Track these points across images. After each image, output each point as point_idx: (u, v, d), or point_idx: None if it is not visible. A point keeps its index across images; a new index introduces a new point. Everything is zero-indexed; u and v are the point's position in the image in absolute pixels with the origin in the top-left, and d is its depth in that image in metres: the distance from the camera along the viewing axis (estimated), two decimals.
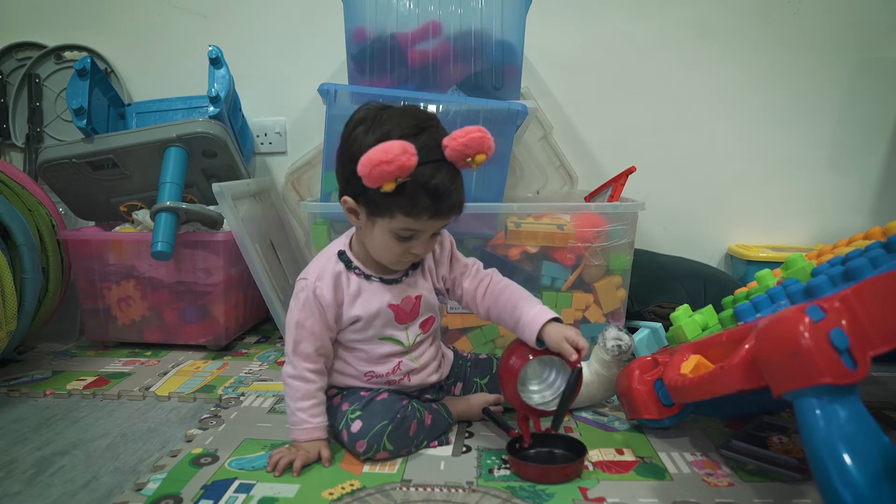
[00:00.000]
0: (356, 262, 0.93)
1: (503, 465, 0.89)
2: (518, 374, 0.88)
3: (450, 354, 1.09)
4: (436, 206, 0.83)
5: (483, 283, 0.98)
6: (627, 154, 1.57)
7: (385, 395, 0.94)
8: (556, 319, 0.90)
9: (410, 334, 0.96)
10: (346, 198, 0.88)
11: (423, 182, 0.80)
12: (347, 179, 0.85)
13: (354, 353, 0.96)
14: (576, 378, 0.88)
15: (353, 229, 0.96)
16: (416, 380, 0.99)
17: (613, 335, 1.05)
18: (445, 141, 0.81)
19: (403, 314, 0.95)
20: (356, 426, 0.90)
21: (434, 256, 0.99)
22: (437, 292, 1.00)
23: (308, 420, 0.91)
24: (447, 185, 0.82)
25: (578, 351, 0.87)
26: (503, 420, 0.98)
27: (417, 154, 0.77)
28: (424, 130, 0.82)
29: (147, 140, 1.42)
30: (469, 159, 0.81)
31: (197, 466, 0.89)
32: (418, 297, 0.96)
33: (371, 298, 0.92)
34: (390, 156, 0.75)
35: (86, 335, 1.51)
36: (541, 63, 1.68)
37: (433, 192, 0.81)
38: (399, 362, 0.96)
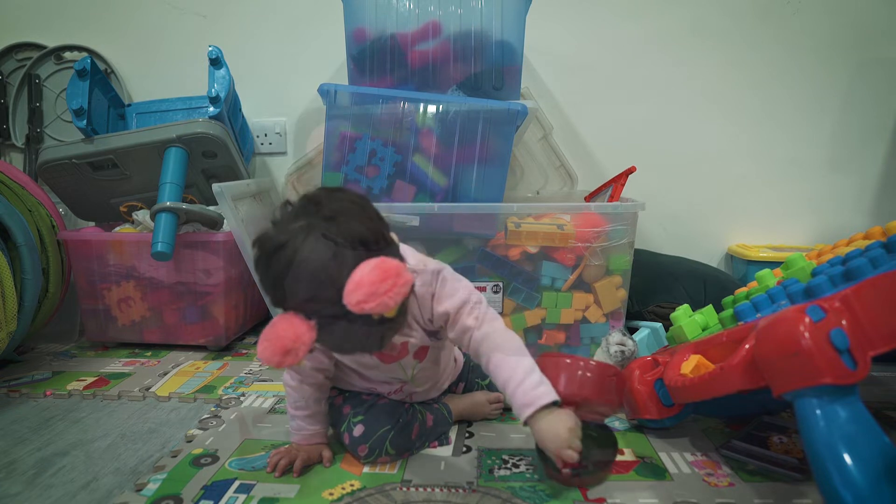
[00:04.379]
0: None
1: (503, 465, 0.89)
2: None
3: (461, 358, 1.07)
4: (362, 346, 0.77)
5: (465, 338, 0.84)
6: (627, 154, 1.58)
7: (387, 399, 0.95)
8: (552, 404, 0.77)
9: (407, 368, 0.91)
10: None
11: (338, 338, 0.73)
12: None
13: (356, 373, 0.93)
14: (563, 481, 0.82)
15: None
16: (417, 398, 0.99)
17: (617, 340, 1.06)
18: (346, 299, 0.67)
19: (390, 358, 0.89)
20: (358, 430, 0.90)
21: (412, 311, 0.85)
22: (432, 334, 0.89)
23: (306, 427, 0.91)
24: (362, 333, 0.72)
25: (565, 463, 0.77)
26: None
27: (317, 321, 0.70)
28: (321, 286, 0.69)
29: (147, 140, 1.42)
30: (376, 318, 0.70)
31: (197, 467, 0.89)
32: (404, 344, 0.87)
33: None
34: (275, 360, 0.70)
35: (86, 336, 1.50)
36: (541, 63, 1.68)
37: (353, 342, 0.74)
38: (402, 385, 0.94)
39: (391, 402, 0.94)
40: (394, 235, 0.79)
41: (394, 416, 0.91)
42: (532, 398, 0.77)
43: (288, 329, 0.70)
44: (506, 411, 1.07)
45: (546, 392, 0.77)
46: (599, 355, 1.07)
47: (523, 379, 0.78)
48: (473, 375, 1.09)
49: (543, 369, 0.80)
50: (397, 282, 0.68)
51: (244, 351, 1.47)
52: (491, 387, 1.08)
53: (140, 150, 1.43)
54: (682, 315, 1.09)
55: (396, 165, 1.26)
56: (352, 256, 0.70)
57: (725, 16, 1.64)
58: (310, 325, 0.70)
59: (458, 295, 0.84)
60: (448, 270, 0.85)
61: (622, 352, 1.04)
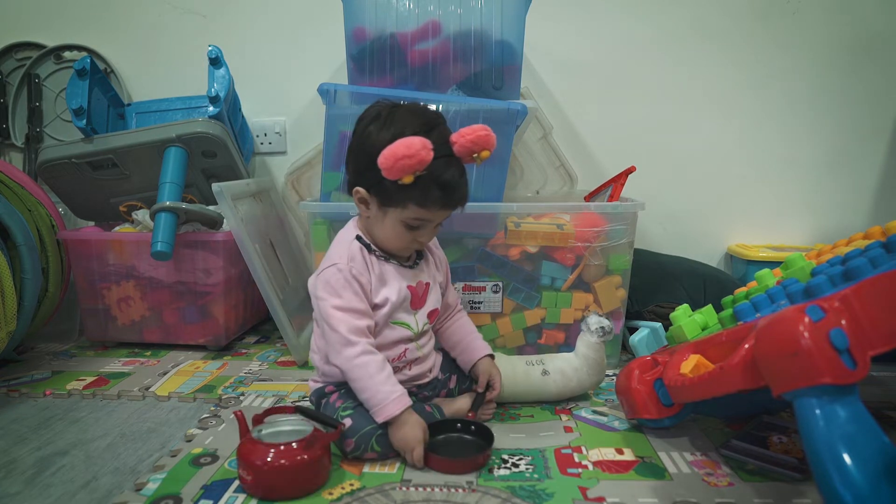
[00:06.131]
0: (374, 246, 0.98)
1: (503, 465, 0.89)
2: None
3: (439, 356, 1.10)
4: (446, 198, 0.90)
5: (454, 304, 1.12)
6: (627, 154, 1.57)
7: None
8: (490, 356, 1.08)
9: (419, 321, 1.00)
10: (359, 189, 0.93)
11: (436, 175, 0.87)
12: (360, 172, 0.92)
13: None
14: (482, 396, 1.04)
15: (355, 219, 1.02)
16: (416, 370, 1.01)
17: (595, 320, 1.11)
18: (453, 138, 0.89)
19: (416, 298, 1.00)
20: (346, 423, 0.90)
21: (436, 262, 1.07)
22: (441, 289, 1.07)
23: (394, 389, 0.89)
24: (457, 178, 0.90)
25: (493, 388, 1.04)
26: (321, 415, 0.93)
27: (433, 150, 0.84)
28: (435, 128, 0.89)
29: (147, 140, 1.42)
30: (475, 155, 0.89)
31: (197, 466, 0.89)
32: (427, 284, 1.02)
33: (395, 281, 0.97)
34: (412, 150, 0.82)
35: (85, 335, 1.51)
36: (541, 63, 1.68)
37: (445, 185, 0.88)
38: (406, 349, 0.99)
39: None
40: None
41: None
42: (485, 348, 1.09)
43: (415, 139, 0.83)
44: (501, 407, 1.08)
45: (490, 349, 1.09)
46: (582, 337, 1.12)
47: (479, 339, 1.10)
48: (466, 376, 1.10)
49: None
50: (493, 138, 0.89)
51: (244, 351, 1.47)
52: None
53: (140, 149, 1.43)
54: (682, 315, 1.09)
55: None
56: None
57: (725, 16, 1.64)
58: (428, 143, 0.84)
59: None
60: None
61: (602, 328, 1.10)
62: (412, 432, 0.88)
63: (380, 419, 0.88)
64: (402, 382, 0.95)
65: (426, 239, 0.97)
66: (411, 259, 1.01)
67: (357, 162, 0.93)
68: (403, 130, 0.86)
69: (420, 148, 0.82)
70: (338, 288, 0.92)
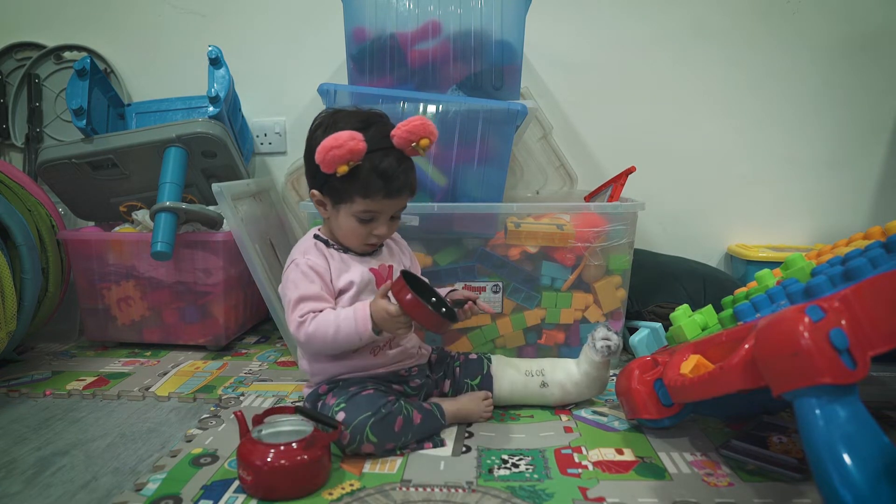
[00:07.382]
0: (332, 241, 1.03)
1: (503, 465, 0.89)
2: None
3: (427, 348, 1.13)
4: (387, 186, 0.94)
5: None
6: (627, 154, 1.57)
7: (371, 391, 0.95)
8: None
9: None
10: (314, 191, 0.99)
11: (373, 166, 0.92)
12: (313, 175, 0.98)
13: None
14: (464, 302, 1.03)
15: (317, 227, 1.07)
16: (396, 349, 1.02)
17: (602, 335, 1.07)
18: (393, 131, 0.94)
19: (381, 279, 1.02)
20: (340, 417, 0.91)
21: (399, 249, 1.11)
22: None
23: (349, 311, 0.93)
24: (395, 167, 0.94)
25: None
26: (321, 415, 0.93)
27: (366, 142, 0.89)
28: (372, 125, 0.95)
29: (147, 140, 1.42)
30: (414, 144, 0.94)
31: (197, 466, 0.89)
32: (391, 267, 1.05)
33: (356, 266, 1.01)
34: (339, 141, 0.87)
35: (85, 335, 1.51)
36: (541, 63, 1.68)
37: (383, 174, 0.93)
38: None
39: (374, 393, 0.95)
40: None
41: (374, 405, 0.92)
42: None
43: (344, 132, 0.88)
44: (500, 409, 1.08)
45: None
46: (586, 351, 1.09)
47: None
48: (462, 376, 1.10)
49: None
50: (430, 126, 0.94)
51: (244, 351, 1.47)
52: (481, 386, 1.08)
53: (140, 149, 1.43)
54: (682, 315, 1.09)
55: None
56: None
57: (725, 16, 1.64)
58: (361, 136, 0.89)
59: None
60: None
61: (608, 347, 1.06)
62: (379, 304, 0.91)
63: (366, 336, 0.93)
64: (385, 366, 1.01)
65: (383, 232, 0.99)
66: (370, 249, 1.04)
67: (309, 167, 0.98)
68: (342, 130, 0.90)
69: (347, 139, 0.87)
70: (296, 281, 0.97)
